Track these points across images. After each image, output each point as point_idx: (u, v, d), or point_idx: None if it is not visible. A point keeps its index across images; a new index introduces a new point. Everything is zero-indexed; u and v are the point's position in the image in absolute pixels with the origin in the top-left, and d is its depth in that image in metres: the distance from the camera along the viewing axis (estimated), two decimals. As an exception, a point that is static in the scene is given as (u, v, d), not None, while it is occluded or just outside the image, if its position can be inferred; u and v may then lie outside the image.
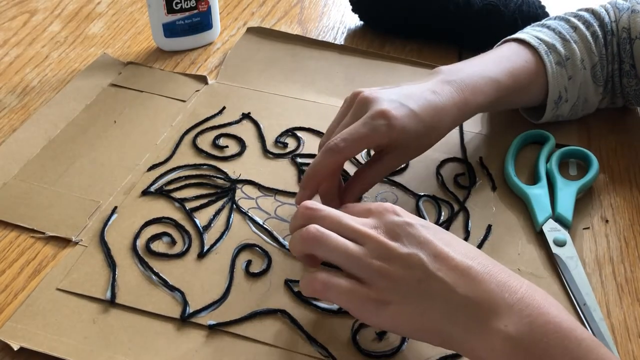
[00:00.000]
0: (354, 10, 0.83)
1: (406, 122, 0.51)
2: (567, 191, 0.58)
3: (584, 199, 0.59)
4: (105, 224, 0.55)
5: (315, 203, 0.46)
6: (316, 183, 0.51)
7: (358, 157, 0.63)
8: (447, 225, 0.57)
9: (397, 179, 0.61)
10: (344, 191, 0.53)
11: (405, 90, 0.54)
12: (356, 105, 0.52)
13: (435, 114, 0.53)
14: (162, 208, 0.57)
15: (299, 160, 0.62)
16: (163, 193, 0.58)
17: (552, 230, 0.55)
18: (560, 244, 0.54)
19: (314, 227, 0.43)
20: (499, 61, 0.61)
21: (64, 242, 0.53)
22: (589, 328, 0.48)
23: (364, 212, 0.45)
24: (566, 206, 0.57)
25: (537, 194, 0.58)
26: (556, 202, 0.57)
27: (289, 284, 0.51)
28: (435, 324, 0.40)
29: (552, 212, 0.57)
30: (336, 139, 0.49)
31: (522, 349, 0.37)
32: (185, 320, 0.48)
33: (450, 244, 0.42)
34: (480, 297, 0.39)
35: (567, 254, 0.53)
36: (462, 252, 0.41)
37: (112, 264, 0.51)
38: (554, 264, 0.53)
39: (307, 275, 0.43)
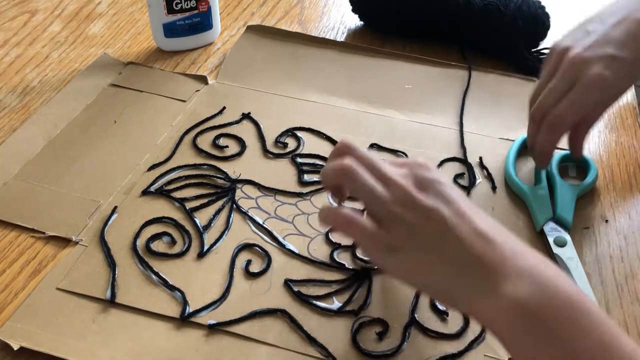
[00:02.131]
0: (354, 10, 0.83)
1: (619, 82, 0.52)
2: (567, 193, 0.58)
3: (584, 199, 0.59)
4: (105, 224, 0.55)
5: (353, 143, 0.46)
6: (548, 159, 0.57)
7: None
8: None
9: (397, 178, 0.61)
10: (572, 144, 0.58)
11: (612, 36, 0.53)
12: (565, 70, 0.53)
13: None
14: (162, 208, 0.57)
15: (299, 160, 0.62)
16: (163, 193, 0.58)
17: (553, 231, 0.55)
18: (561, 244, 0.54)
19: (351, 160, 0.43)
20: None
21: (64, 241, 0.53)
22: None
23: (399, 164, 0.46)
24: (566, 208, 0.57)
25: (538, 194, 0.58)
26: (556, 203, 0.57)
27: (289, 284, 0.51)
28: (442, 279, 0.40)
29: (552, 213, 0.57)
30: (556, 114, 0.53)
31: (529, 313, 0.37)
32: (185, 320, 0.48)
33: (473, 209, 0.42)
34: (493, 259, 0.39)
35: (567, 254, 0.54)
36: (483, 218, 0.42)
37: (112, 264, 0.51)
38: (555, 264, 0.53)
39: (332, 208, 0.44)
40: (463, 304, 0.41)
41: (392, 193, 0.42)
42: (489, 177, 0.62)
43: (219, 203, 0.57)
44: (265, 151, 0.63)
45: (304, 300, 0.49)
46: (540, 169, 0.60)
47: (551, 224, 0.56)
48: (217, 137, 0.64)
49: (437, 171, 0.44)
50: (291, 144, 0.64)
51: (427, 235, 0.41)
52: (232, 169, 0.61)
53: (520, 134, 0.66)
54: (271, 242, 0.54)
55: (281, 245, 0.54)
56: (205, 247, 0.53)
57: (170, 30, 0.75)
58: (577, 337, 0.36)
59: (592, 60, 0.52)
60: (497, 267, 0.39)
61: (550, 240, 0.54)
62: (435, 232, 0.40)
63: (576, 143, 0.58)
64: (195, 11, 0.75)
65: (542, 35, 0.79)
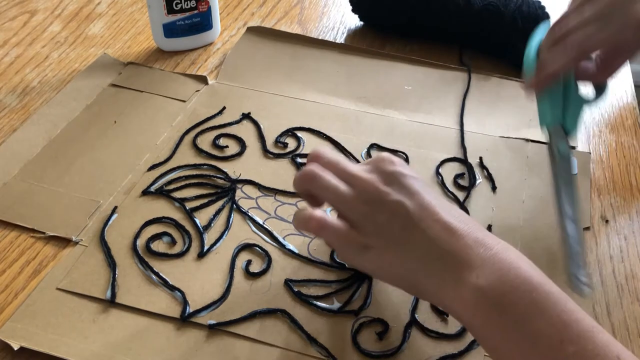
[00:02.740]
0: (354, 10, 0.83)
1: None
2: (578, 102, 0.54)
3: (583, 198, 0.59)
4: (105, 224, 0.55)
5: (322, 150, 0.48)
6: (550, 80, 0.53)
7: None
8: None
9: (397, 179, 0.61)
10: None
11: None
12: (602, 3, 0.50)
13: None
14: (162, 208, 0.57)
15: (299, 160, 0.62)
16: (163, 193, 0.58)
17: (561, 140, 0.53)
18: (565, 154, 0.52)
19: (313, 166, 0.46)
20: None
21: (64, 242, 0.53)
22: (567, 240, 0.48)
23: (366, 162, 0.47)
24: (574, 117, 0.54)
25: (554, 92, 0.54)
26: (566, 109, 0.54)
27: (289, 284, 0.51)
28: (412, 273, 0.42)
29: (561, 117, 0.53)
30: (583, 34, 0.50)
31: (491, 301, 0.39)
32: (185, 320, 0.48)
33: (437, 198, 0.44)
34: (457, 250, 0.41)
35: (568, 169, 0.52)
36: (446, 208, 0.43)
37: (112, 264, 0.51)
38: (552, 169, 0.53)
39: (305, 212, 0.45)
40: (432, 296, 0.43)
41: (357, 191, 0.44)
42: (489, 177, 0.62)
43: (219, 203, 0.57)
44: (265, 151, 0.63)
45: (304, 300, 0.49)
46: (530, 89, 0.55)
47: (558, 128, 0.53)
48: (217, 137, 0.64)
49: (401, 163, 0.46)
50: (291, 144, 0.64)
51: (395, 232, 0.42)
52: (232, 169, 0.61)
53: (521, 133, 0.66)
54: (271, 242, 0.54)
55: (281, 246, 0.54)
56: (206, 247, 0.53)
57: (170, 30, 0.75)
58: (537, 318, 0.37)
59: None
60: (461, 259, 0.40)
61: (555, 147, 0.52)
62: (402, 229, 0.42)
63: (606, 70, 0.54)
64: (195, 11, 0.75)
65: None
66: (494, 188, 0.61)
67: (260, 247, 0.54)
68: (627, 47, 0.53)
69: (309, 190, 0.47)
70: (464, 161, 0.63)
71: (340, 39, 0.82)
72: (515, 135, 0.66)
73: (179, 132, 0.65)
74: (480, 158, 0.64)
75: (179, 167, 0.61)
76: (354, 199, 0.44)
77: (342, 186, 0.45)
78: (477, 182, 0.61)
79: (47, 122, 0.65)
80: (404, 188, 0.43)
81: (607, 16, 0.50)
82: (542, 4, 0.78)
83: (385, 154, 0.46)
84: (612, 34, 0.50)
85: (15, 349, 0.45)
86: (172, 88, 0.71)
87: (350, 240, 0.44)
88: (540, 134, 0.67)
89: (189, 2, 0.74)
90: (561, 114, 0.54)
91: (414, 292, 0.45)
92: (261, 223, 0.56)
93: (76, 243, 0.53)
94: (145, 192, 0.58)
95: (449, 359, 0.46)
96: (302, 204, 0.58)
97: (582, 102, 0.55)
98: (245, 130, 0.66)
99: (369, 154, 0.63)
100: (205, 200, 0.57)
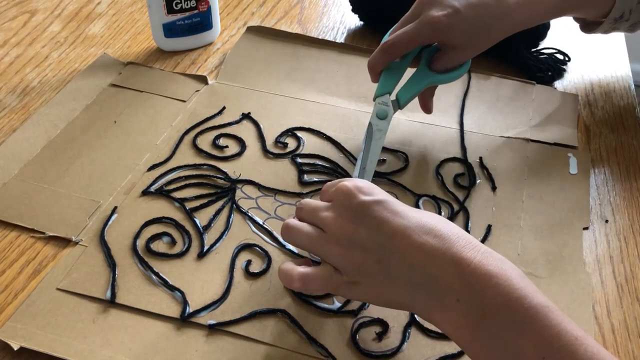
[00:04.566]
0: (354, 10, 0.83)
1: (451, 29, 0.57)
2: (419, 77, 0.60)
3: (583, 197, 0.59)
4: (105, 224, 0.55)
5: (301, 202, 0.49)
6: (375, 74, 0.61)
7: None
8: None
9: (397, 179, 0.61)
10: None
11: None
12: (416, 6, 0.60)
13: (489, 15, 0.59)
14: (162, 208, 0.57)
15: (299, 160, 0.62)
16: (163, 193, 0.58)
17: (382, 104, 0.59)
18: (382, 117, 0.58)
19: (286, 222, 0.47)
20: None
21: (64, 242, 0.53)
22: None
23: (329, 195, 0.47)
24: (407, 89, 0.60)
25: (394, 67, 0.60)
26: (404, 84, 0.60)
27: (289, 283, 0.51)
28: (400, 299, 0.43)
29: (392, 88, 0.60)
30: (389, 40, 0.59)
31: (474, 320, 0.39)
32: (185, 320, 0.48)
33: (406, 217, 0.43)
34: (435, 274, 0.41)
35: (380, 126, 0.58)
36: (418, 225, 0.42)
37: (112, 264, 0.51)
38: (367, 134, 0.58)
39: (287, 270, 0.46)
40: (423, 317, 0.44)
41: (329, 235, 0.45)
42: (489, 177, 0.62)
43: (219, 203, 0.57)
44: (265, 151, 0.63)
45: (304, 300, 0.50)
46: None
47: (386, 98, 0.59)
48: (217, 137, 0.64)
49: (361, 189, 0.45)
50: (291, 144, 0.64)
51: (373, 267, 0.43)
52: (232, 169, 0.61)
53: (521, 132, 0.66)
54: (271, 242, 0.54)
55: (281, 246, 0.54)
56: (205, 248, 0.53)
57: (170, 30, 0.75)
58: (517, 337, 0.38)
59: (435, 3, 0.58)
60: (441, 281, 0.41)
61: (374, 111, 0.58)
62: (378, 262, 0.42)
63: (437, 60, 0.61)
64: (195, 11, 0.75)
65: (542, 35, 0.79)
66: (493, 188, 0.61)
67: (260, 247, 0.54)
68: (438, 43, 0.60)
69: (291, 243, 0.49)
70: (464, 161, 0.63)
71: (340, 39, 0.82)
72: (515, 135, 0.66)
73: (178, 132, 0.65)
74: (480, 158, 0.64)
75: (179, 167, 0.61)
76: (327, 243, 0.44)
77: (314, 234, 0.45)
78: (477, 182, 0.61)
79: (47, 122, 0.65)
80: (370, 219, 0.43)
81: (414, 19, 0.59)
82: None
83: (343, 186, 0.45)
84: (414, 29, 0.58)
85: (15, 349, 0.45)
86: (172, 88, 0.71)
87: (336, 284, 0.44)
88: (540, 134, 0.67)
89: (189, 2, 0.74)
90: (394, 84, 0.60)
91: (408, 311, 0.47)
92: (261, 223, 0.56)
93: (76, 243, 0.53)
94: (145, 192, 0.58)
95: (449, 359, 0.46)
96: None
97: (424, 75, 0.60)
98: (245, 130, 0.66)
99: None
100: (205, 201, 0.57)
